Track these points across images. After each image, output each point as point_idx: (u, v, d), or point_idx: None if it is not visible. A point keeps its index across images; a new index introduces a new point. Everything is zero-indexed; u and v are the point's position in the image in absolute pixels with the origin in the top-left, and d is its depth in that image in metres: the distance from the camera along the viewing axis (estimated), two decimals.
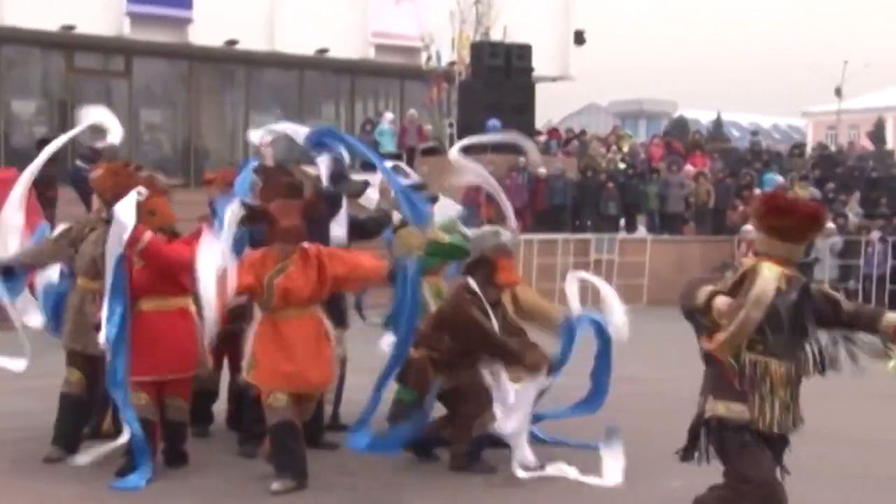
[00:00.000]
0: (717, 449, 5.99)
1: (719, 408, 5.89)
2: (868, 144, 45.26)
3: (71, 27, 26.43)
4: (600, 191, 24.55)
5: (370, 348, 9.54)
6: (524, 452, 8.31)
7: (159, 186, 8.27)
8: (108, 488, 7.77)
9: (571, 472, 8.25)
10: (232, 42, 28.18)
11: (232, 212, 7.77)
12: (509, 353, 8.45)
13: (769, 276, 5.73)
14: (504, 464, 8.43)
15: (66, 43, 27.50)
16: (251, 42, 28.42)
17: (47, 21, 26.02)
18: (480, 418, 8.37)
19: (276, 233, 7.83)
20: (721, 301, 5.76)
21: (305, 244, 7.88)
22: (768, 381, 5.82)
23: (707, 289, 5.84)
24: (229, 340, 8.52)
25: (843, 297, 6.11)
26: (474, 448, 8.43)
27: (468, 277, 8.60)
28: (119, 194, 8.20)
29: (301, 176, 9.08)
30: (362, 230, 9.54)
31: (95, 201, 8.83)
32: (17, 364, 8.95)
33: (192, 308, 8.19)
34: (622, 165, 26.76)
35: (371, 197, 10.02)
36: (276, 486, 7.67)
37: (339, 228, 9.29)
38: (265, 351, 7.78)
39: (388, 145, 26.04)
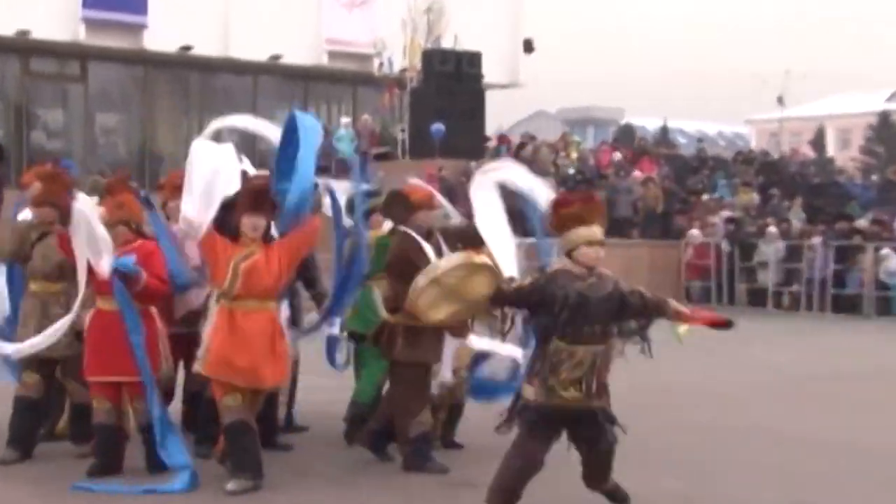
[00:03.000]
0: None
1: (526, 390, 6.64)
2: (809, 152, 45.64)
3: (26, 32, 26.29)
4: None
5: (323, 349, 9.53)
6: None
7: (127, 184, 8.26)
8: (67, 490, 7.65)
9: None
10: (186, 48, 28.10)
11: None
12: None
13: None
14: (458, 465, 8.41)
15: (21, 47, 27.34)
16: (205, 48, 28.38)
17: (3, 26, 25.88)
18: (417, 419, 8.27)
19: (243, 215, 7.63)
20: None
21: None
22: (569, 363, 6.47)
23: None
24: (184, 343, 8.42)
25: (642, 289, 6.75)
26: (420, 448, 8.37)
27: (388, 220, 8.65)
28: (61, 196, 8.23)
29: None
30: None
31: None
32: None
33: (154, 309, 8.12)
34: (571, 171, 26.83)
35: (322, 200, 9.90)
36: (231, 485, 7.55)
37: None
38: (220, 343, 7.57)
39: (347, 150, 25.82)
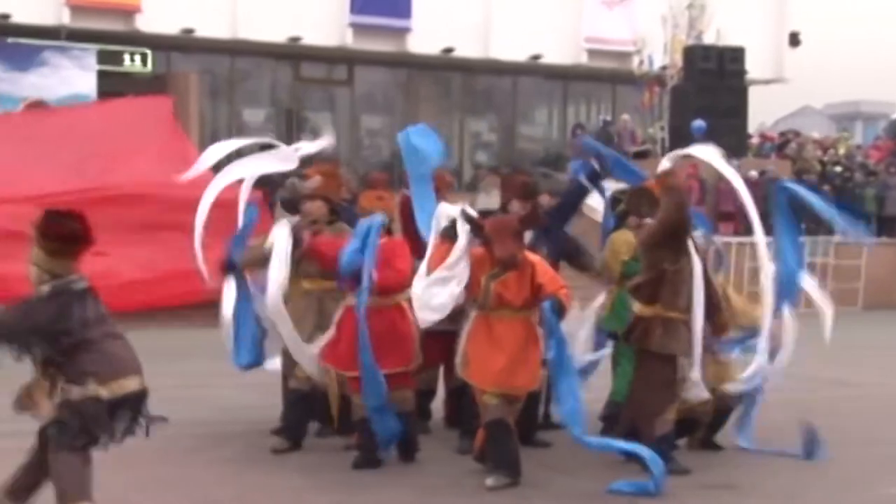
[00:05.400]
0: None
1: None
2: None
3: (298, 39, 27.20)
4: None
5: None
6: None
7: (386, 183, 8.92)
8: (333, 479, 7.98)
9: None
10: (448, 50, 28.53)
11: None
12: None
13: None
14: (715, 467, 8.32)
15: (293, 54, 28.30)
16: (467, 50, 28.71)
17: (276, 33, 26.85)
18: (662, 416, 8.18)
19: (493, 257, 7.81)
20: None
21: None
22: None
23: None
24: (445, 340, 8.60)
25: None
26: (661, 449, 8.09)
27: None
28: (336, 193, 9.18)
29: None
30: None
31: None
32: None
33: (407, 305, 8.37)
34: (837, 168, 26.07)
35: (590, 204, 9.97)
36: (490, 481, 7.75)
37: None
38: (477, 348, 7.87)
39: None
